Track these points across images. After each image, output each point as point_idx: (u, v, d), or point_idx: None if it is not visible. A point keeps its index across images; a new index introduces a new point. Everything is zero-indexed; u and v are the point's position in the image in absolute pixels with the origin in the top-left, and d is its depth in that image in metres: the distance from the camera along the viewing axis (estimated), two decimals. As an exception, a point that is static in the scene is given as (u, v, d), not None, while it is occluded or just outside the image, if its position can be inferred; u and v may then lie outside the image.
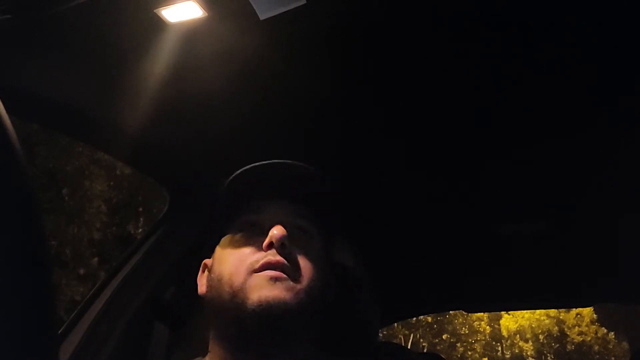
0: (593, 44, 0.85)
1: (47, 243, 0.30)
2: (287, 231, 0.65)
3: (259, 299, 0.60)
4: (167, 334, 1.07)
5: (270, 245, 0.63)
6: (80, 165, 7.45)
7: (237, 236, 0.68)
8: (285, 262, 0.63)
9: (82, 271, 7.29)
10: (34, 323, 0.26)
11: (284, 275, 0.62)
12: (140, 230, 8.04)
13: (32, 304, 0.26)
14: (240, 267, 0.63)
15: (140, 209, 8.41)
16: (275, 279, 0.61)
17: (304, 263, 0.65)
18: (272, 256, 0.63)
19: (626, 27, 0.82)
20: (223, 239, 0.69)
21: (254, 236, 0.66)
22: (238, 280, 0.62)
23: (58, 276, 6.76)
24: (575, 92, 0.99)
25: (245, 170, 0.68)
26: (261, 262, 0.62)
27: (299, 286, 0.62)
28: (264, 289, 0.60)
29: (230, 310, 0.62)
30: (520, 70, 0.93)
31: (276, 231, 0.63)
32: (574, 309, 17.70)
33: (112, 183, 7.92)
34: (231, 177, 0.69)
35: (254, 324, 0.60)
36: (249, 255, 0.64)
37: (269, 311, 0.59)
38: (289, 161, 0.68)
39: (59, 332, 0.98)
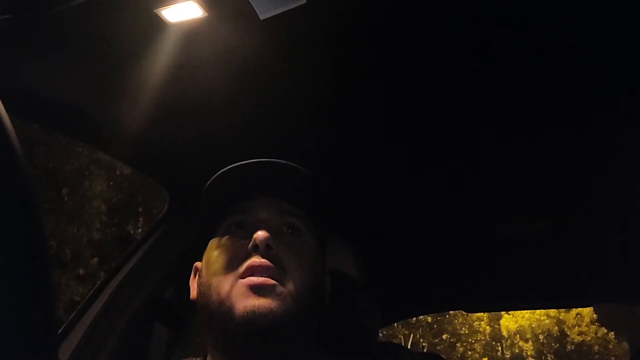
0: (593, 44, 0.85)
1: (47, 243, 0.30)
2: (273, 230, 0.63)
3: (245, 309, 0.58)
4: (167, 334, 1.07)
5: (255, 248, 0.62)
6: (80, 165, 7.44)
7: (224, 239, 0.66)
8: (271, 264, 0.61)
9: (81, 271, 7.28)
10: (33, 323, 0.26)
11: (270, 282, 0.60)
12: (140, 230, 8.04)
13: (31, 304, 0.26)
14: (227, 273, 0.62)
15: (140, 209, 8.40)
16: (260, 287, 0.60)
17: (292, 264, 0.63)
18: (257, 259, 0.61)
19: (626, 27, 0.82)
20: (210, 242, 0.68)
21: (239, 238, 0.65)
22: (225, 287, 0.61)
23: (57, 276, 6.76)
24: (575, 92, 0.99)
25: (227, 170, 0.67)
26: (245, 265, 0.61)
27: (286, 291, 0.61)
28: (249, 299, 0.59)
29: (218, 319, 0.61)
30: (520, 70, 0.93)
31: (260, 233, 0.61)
32: (574, 309, 17.69)
33: (112, 183, 7.91)
34: (212, 178, 0.68)
35: (241, 334, 0.59)
36: (235, 260, 0.63)
37: (255, 321, 0.58)
38: (275, 160, 0.67)
39: (59, 332, 0.98)
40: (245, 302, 0.59)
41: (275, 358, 0.61)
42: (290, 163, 0.67)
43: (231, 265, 0.63)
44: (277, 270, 0.61)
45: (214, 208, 0.70)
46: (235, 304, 0.59)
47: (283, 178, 0.67)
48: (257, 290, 0.60)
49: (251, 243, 0.62)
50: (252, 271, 0.61)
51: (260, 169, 0.67)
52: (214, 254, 0.66)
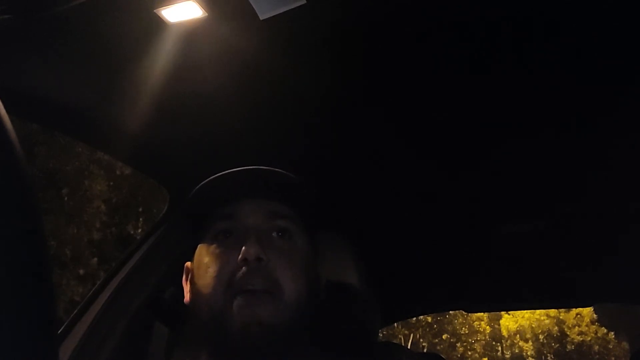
0: (593, 45, 0.85)
1: (47, 243, 0.30)
2: (262, 236, 0.63)
3: (240, 325, 0.58)
4: (167, 334, 1.07)
5: (245, 262, 0.61)
6: (80, 165, 7.44)
7: (212, 247, 0.65)
8: (263, 279, 0.60)
9: (81, 271, 7.28)
10: (33, 323, 0.26)
11: (264, 297, 0.60)
12: (140, 230, 8.04)
13: (31, 304, 0.26)
14: (217, 287, 0.61)
15: (140, 209, 8.40)
16: (253, 302, 0.59)
17: (284, 271, 0.62)
18: (248, 277, 0.60)
19: (626, 26, 0.82)
20: (199, 247, 0.67)
21: (229, 247, 0.63)
22: (215, 301, 0.61)
23: (57, 276, 6.76)
24: (575, 93, 0.99)
25: (212, 178, 0.66)
26: (237, 283, 0.60)
27: (279, 301, 0.60)
28: (243, 315, 0.59)
29: (212, 332, 0.61)
30: (520, 70, 0.93)
31: (249, 248, 0.61)
32: (574, 309, 17.69)
33: (112, 183, 7.91)
34: (196, 188, 0.67)
35: (237, 349, 0.59)
36: (225, 272, 0.62)
37: (251, 336, 0.58)
38: (260, 167, 0.66)
39: (59, 332, 0.98)
40: (240, 319, 0.59)
41: None
42: (276, 169, 0.67)
43: (222, 278, 0.61)
44: (270, 282, 0.61)
45: (200, 213, 0.68)
46: (229, 320, 0.59)
47: (269, 181, 0.67)
48: (251, 305, 0.59)
49: (241, 256, 0.61)
50: (245, 288, 0.60)
51: (245, 175, 0.66)
52: (203, 262, 0.65)
